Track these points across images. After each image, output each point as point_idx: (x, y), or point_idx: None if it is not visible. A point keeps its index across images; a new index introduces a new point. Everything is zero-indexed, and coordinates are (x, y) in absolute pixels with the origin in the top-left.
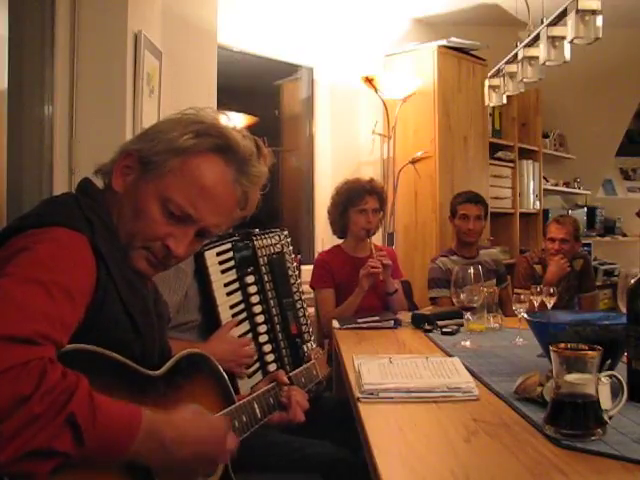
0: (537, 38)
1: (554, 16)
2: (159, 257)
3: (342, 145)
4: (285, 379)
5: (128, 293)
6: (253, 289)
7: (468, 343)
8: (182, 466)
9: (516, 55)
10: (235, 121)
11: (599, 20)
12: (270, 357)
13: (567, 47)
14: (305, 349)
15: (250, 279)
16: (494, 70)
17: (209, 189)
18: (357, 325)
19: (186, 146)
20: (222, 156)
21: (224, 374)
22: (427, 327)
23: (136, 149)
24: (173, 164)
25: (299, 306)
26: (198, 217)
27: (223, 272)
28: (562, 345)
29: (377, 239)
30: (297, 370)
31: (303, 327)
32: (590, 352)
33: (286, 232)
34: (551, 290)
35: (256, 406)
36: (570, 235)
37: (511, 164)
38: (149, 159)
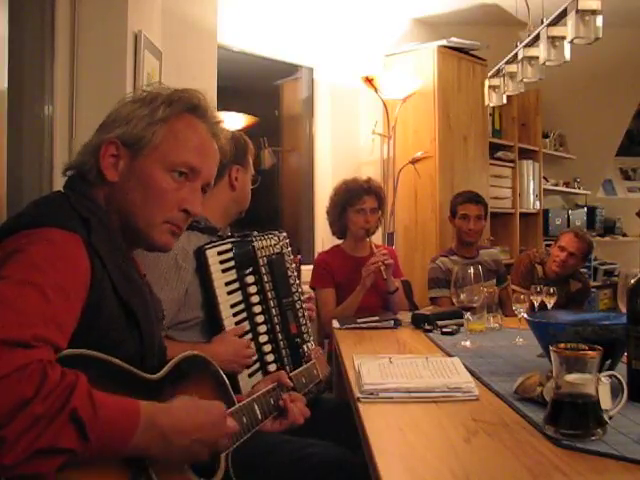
0: (537, 38)
1: (554, 16)
2: (181, 225)
3: (342, 145)
4: (289, 382)
5: (127, 289)
6: (253, 289)
7: (468, 343)
8: (181, 454)
9: (516, 55)
10: (235, 121)
11: (599, 20)
12: (270, 357)
13: (567, 47)
14: (305, 349)
15: (250, 279)
16: (494, 70)
17: (200, 143)
18: (357, 325)
19: (166, 114)
20: (195, 114)
21: (224, 376)
22: (427, 327)
23: (115, 136)
24: (162, 133)
25: (298, 306)
26: (202, 169)
27: (224, 271)
28: (562, 345)
29: (377, 239)
30: (298, 370)
31: (303, 327)
32: (590, 352)
33: (285, 234)
34: (551, 290)
35: (256, 407)
36: (581, 252)
37: (511, 164)
38: (136, 139)
